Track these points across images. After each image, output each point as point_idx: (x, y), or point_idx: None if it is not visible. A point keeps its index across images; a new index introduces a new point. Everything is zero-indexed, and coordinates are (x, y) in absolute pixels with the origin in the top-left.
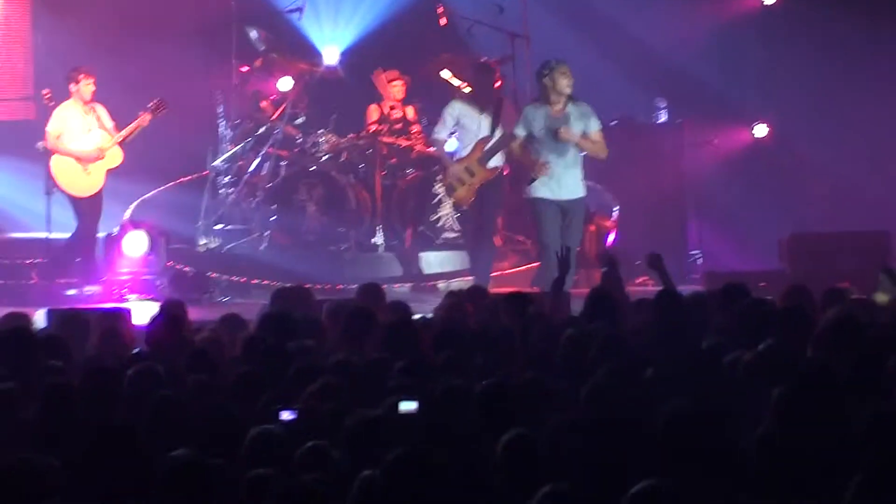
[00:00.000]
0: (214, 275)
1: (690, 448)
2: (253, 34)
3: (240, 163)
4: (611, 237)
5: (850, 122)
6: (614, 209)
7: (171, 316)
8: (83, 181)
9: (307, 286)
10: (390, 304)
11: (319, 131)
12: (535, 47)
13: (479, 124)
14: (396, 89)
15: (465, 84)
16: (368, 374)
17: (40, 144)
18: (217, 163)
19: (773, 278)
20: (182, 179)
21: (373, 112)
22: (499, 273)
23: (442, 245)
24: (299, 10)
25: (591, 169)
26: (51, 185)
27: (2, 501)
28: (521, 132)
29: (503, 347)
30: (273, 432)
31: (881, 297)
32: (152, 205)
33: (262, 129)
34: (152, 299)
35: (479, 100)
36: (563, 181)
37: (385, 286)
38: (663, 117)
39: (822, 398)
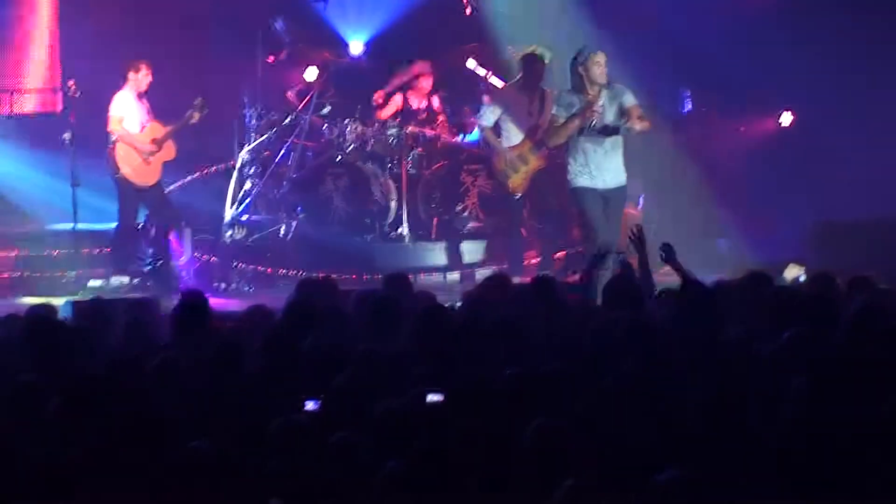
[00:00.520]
0: (240, 265)
1: (715, 437)
2: (278, 25)
3: (266, 153)
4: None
5: (877, 109)
6: (640, 198)
7: (193, 306)
8: (144, 170)
9: (332, 277)
10: (417, 294)
11: (345, 121)
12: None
13: (526, 112)
14: (427, 82)
15: (490, 73)
16: (395, 365)
17: (66, 136)
18: (243, 153)
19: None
20: (208, 170)
21: (396, 102)
22: (525, 262)
23: (468, 234)
24: (324, 0)
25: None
26: (114, 172)
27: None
28: (562, 114)
29: (529, 337)
30: (297, 423)
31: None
32: (178, 195)
33: (287, 120)
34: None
35: (526, 88)
36: (603, 169)
37: (411, 276)
38: (688, 107)
39: (848, 387)
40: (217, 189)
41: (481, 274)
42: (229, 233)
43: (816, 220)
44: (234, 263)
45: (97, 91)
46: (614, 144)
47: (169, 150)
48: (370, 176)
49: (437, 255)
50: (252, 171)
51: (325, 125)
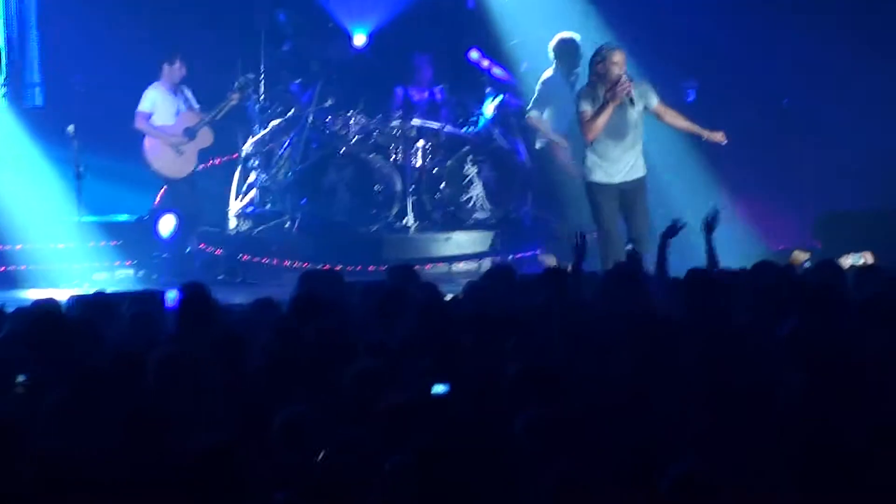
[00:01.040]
0: (245, 257)
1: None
2: (282, 17)
3: (270, 145)
4: None
5: (884, 95)
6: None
7: (196, 299)
8: (176, 162)
9: (336, 268)
10: (421, 286)
11: (349, 113)
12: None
13: (567, 101)
14: (429, 72)
15: (493, 64)
16: (401, 357)
17: (69, 128)
18: (247, 145)
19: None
20: (212, 162)
21: (399, 94)
22: (529, 253)
23: (472, 225)
24: None
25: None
26: (149, 167)
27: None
28: (588, 107)
29: (535, 329)
30: (303, 416)
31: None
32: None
33: (291, 112)
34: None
35: (566, 76)
36: (621, 164)
37: (416, 267)
38: (692, 97)
39: (854, 377)
40: (222, 182)
41: (486, 265)
42: (234, 225)
43: (821, 209)
44: (240, 255)
45: (102, 84)
46: (635, 140)
47: (205, 138)
48: (374, 167)
49: (441, 245)
50: (256, 163)
51: (329, 117)
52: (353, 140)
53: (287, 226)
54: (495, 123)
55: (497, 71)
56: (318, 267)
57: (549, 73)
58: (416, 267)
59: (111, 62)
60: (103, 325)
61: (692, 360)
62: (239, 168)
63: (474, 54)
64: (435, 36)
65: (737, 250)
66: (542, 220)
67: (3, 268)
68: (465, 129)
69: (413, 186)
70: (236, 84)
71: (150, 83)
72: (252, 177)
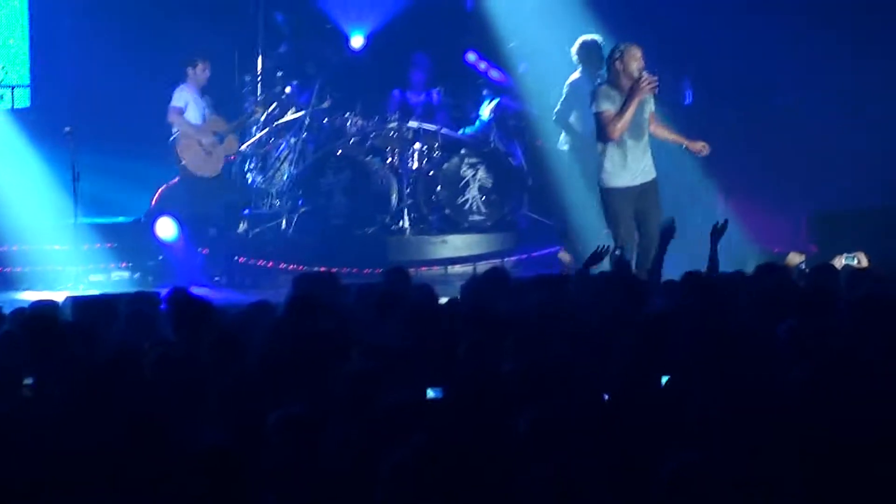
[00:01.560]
0: (242, 259)
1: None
2: (279, 18)
3: (267, 147)
4: None
5: (877, 96)
6: None
7: (184, 302)
8: (207, 161)
9: (332, 270)
10: (415, 287)
11: (346, 115)
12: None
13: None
14: (423, 74)
15: (490, 67)
16: (397, 359)
17: (66, 129)
18: (244, 147)
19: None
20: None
21: (396, 96)
22: (525, 256)
23: (468, 228)
24: None
25: None
26: (177, 162)
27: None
28: (609, 106)
29: (530, 330)
30: (297, 417)
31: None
32: (180, 190)
33: (289, 114)
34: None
35: (594, 79)
36: (639, 165)
37: (413, 269)
38: (689, 98)
39: (849, 378)
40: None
41: (482, 267)
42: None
43: (818, 210)
44: (236, 258)
45: (95, 85)
46: (649, 142)
47: (231, 145)
48: (371, 170)
49: (438, 248)
50: (253, 165)
51: (326, 119)
52: (350, 142)
53: (283, 228)
54: (492, 126)
55: (494, 73)
56: (315, 269)
57: (575, 75)
58: (412, 269)
59: (104, 63)
60: (100, 326)
61: (689, 359)
62: (235, 170)
63: (471, 56)
64: (432, 38)
65: (732, 252)
66: (538, 223)
67: None
68: (461, 131)
69: (409, 189)
70: (260, 98)
71: (143, 84)
72: (248, 178)
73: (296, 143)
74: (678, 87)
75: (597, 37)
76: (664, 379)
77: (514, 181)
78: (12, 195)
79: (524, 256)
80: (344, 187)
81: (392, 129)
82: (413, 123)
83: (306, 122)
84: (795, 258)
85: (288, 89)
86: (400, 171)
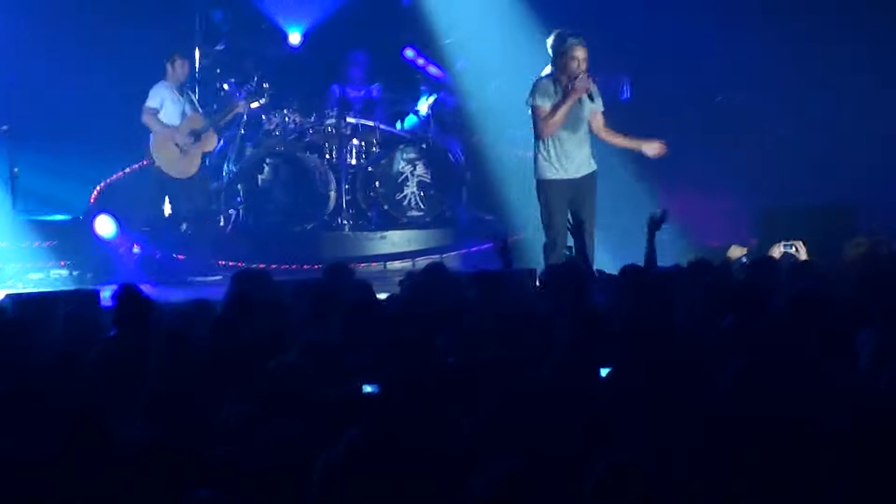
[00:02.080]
0: (181, 257)
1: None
2: (216, 16)
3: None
4: None
5: (821, 95)
6: None
7: (130, 299)
8: (181, 162)
9: (263, 267)
10: (353, 284)
11: (284, 112)
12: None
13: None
14: (362, 70)
15: (428, 63)
16: (333, 355)
17: (3, 127)
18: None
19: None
20: (147, 161)
21: (334, 92)
22: (464, 251)
23: (407, 224)
24: None
25: None
26: (150, 162)
27: None
28: (545, 102)
29: (468, 325)
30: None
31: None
32: (118, 187)
33: (225, 112)
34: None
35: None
36: (574, 159)
37: (351, 266)
38: (627, 93)
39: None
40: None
41: (421, 263)
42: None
43: (759, 206)
44: (175, 255)
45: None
46: (586, 136)
47: (208, 142)
48: (309, 166)
49: (377, 244)
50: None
51: (264, 116)
52: (288, 139)
53: (222, 225)
54: (430, 122)
55: (432, 69)
56: (253, 266)
57: (548, 69)
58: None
59: (41, 61)
60: (38, 324)
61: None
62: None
63: (409, 52)
64: (370, 34)
65: (674, 246)
66: (477, 218)
67: None
68: (399, 127)
69: (348, 185)
70: (244, 92)
71: (80, 81)
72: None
73: (233, 140)
74: (617, 81)
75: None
76: (604, 372)
77: (452, 177)
78: None
79: (463, 252)
80: (282, 184)
81: (330, 125)
82: (351, 119)
83: (244, 120)
84: (737, 251)
85: (226, 87)
86: (338, 167)
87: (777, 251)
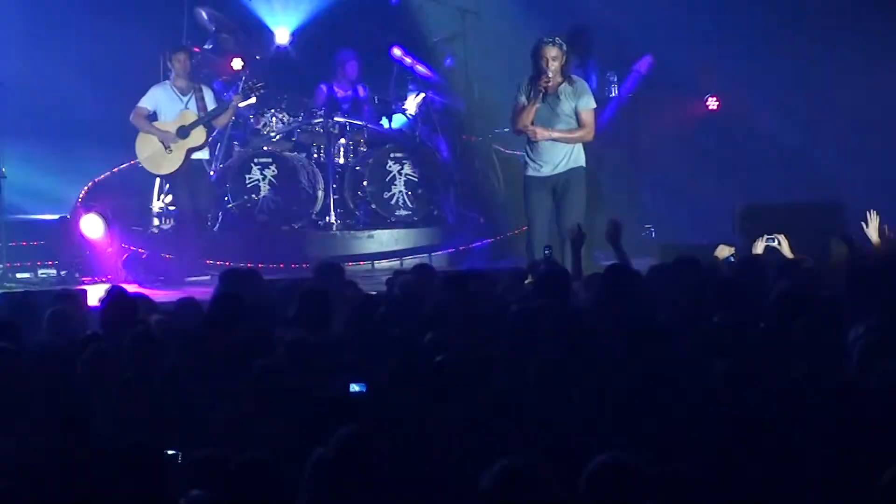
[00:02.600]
0: (168, 257)
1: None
2: (203, 15)
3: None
4: None
5: (804, 94)
6: None
7: (119, 299)
8: (163, 159)
9: (251, 266)
10: (343, 283)
11: (271, 111)
12: (485, 23)
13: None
14: (351, 69)
15: (416, 62)
16: (322, 354)
17: None
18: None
19: None
20: (135, 161)
21: (322, 91)
22: (452, 250)
23: (395, 223)
24: None
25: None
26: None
27: None
28: (522, 101)
29: (453, 325)
30: (221, 413)
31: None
32: (105, 187)
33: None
34: (110, 281)
35: (581, 67)
36: (547, 157)
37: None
38: (615, 91)
39: (771, 370)
40: (144, 180)
41: (409, 262)
42: (157, 223)
43: (743, 204)
44: (162, 255)
45: (24, 83)
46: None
47: (197, 137)
48: (297, 165)
49: (364, 243)
50: None
51: (252, 115)
52: (276, 138)
53: (210, 224)
54: (418, 121)
55: (420, 68)
56: (240, 265)
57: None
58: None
59: (28, 60)
60: (24, 324)
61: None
62: None
63: (397, 51)
64: (358, 33)
65: (659, 246)
66: (465, 217)
67: None
68: (387, 126)
69: (336, 184)
70: (241, 88)
71: (68, 80)
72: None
73: (221, 139)
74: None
75: (583, 26)
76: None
77: (440, 176)
78: None
79: (451, 251)
80: (270, 183)
81: (318, 124)
82: (339, 118)
83: (231, 119)
84: (724, 250)
85: (214, 86)
86: (326, 166)
87: (760, 246)
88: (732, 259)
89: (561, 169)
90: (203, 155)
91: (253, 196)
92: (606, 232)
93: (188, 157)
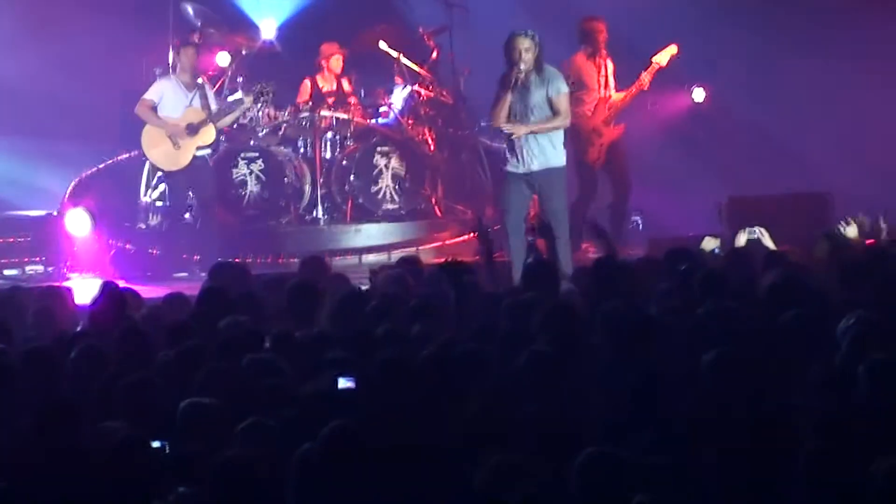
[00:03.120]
0: (155, 252)
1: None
2: (189, 9)
3: None
4: None
5: (790, 85)
6: None
7: (112, 295)
8: (171, 155)
9: (239, 260)
10: (333, 277)
11: (258, 105)
12: (472, 16)
13: (595, 83)
14: (336, 63)
15: (402, 54)
16: (309, 348)
17: None
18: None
19: None
20: (121, 157)
21: (307, 86)
22: (439, 244)
23: (382, 217)
24: None
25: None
26: (143, 154)
27: None
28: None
29: (442, 318)
30: (207, 406)
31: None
32: (92, 182)
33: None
34: (97, 277)
35: (593, 58)
36: (523, 152)
37: (327, 259)
38: None
39: (760, 361)
40: (131, 176)
41: (396, 256)
42: (145, 219)
43: (730, 195)
44: (150, 250)
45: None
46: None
47: (206, 135)
48: (284, 160)
49: (352, 237)
50: None
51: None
52: (263, 133)
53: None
54: (405, 114)
55: (406, 62)
56: (228, 260)
57: (577, 55)
58: (327, 259)
59: (15, 56)
60: (11, 320)
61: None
62: (148, 162)
63: (383, 45)
64: (344, 26)
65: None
66: (451, 210)
67: None
68: (374, 119)
69: (323, 178)
70: (254, 89)
71: (53, 76)
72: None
73: None
74: None
75: (597, 17)
76: None
77: (427, 169)
78: None
79: (438, 244)
80: (257, 177)
81: (304, 118)
82: (325, 112)
83: (237, 121)
84: (710, 242)
85: (200, 80)
86: (313, 160)
87: (742, 238)
88: (718, 251)
89: (537, 167)
90: (204, 151)
91: (240, 190)
92: (587, 232)
93: (195, 154)
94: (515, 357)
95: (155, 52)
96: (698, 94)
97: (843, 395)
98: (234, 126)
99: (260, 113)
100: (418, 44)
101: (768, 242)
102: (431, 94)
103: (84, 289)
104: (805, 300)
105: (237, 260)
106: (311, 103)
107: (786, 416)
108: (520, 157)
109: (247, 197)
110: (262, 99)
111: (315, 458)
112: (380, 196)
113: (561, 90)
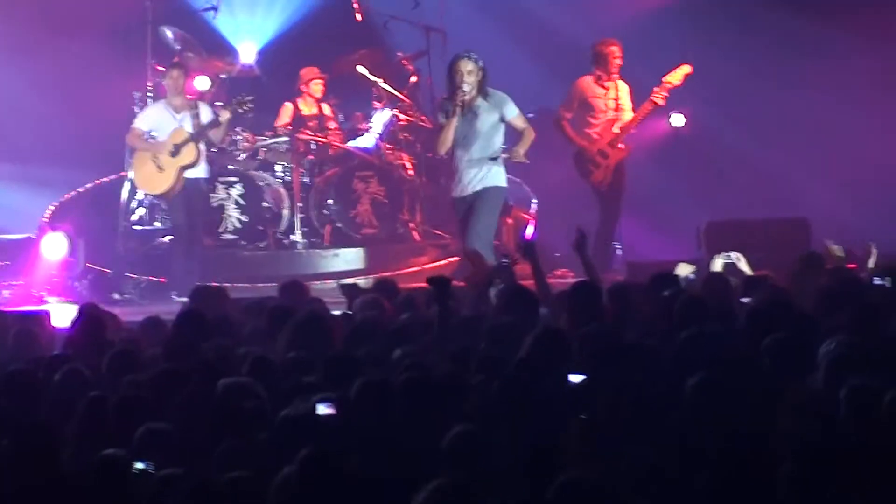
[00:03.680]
0: (133, 276)
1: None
2: (168, 34)
3: None
4: (529, 230)
5: (769, 110)
6: (533, 202)
7: (91, 318)
8: (154, 178)
9: (218, 285)
10: (308, 301)
11: (236, 129)
12: (450, 41)
13: (603, 105)
14: (316, 87)
15: (381, 79)
16: (286, 372)
17: None
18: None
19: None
20: (100, 181)
21: (287, 110)
22: (418, 268)
23: (360, 241)
24: (214, 8)
25: (509, 163)
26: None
27: None
28: (443, 119)
29: (421, 341)
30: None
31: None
32: (71, 206)
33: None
34: (72, 302)
35: (602, 80)
36: (466, 178)
37: (305, 283)
38: None
39: (743, 385)
40: (109, 200)
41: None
42: (122, 243)
43: (708, 220)
44: (128, 274)
45: None
46: (483, 151)
47: (188, 155)
48: (262, 184)
49: (330, 261)
50: None
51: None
52: (241, 157)
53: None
54: (384, 139)
55: (385, 86)
56: (206, 284)
57: (583, 77)
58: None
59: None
60: None
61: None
62: (127, 185)
63: (362, 69)
64: (323, 50)
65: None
66: (430, 235)
67: None
68: (353, 144)
69: (301, 203)
70: (232, 102)
71: (31, 98)
72: (140, 194)
73: None
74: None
75: (610, 41)
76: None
77: (406, 194)
78: None
79: (417, 269)
80: (235, 202)
81: (283, 142)
82: (304, 136)
83: (227, 135)
84: (684, 269)
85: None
86: (291, 185)
87: (718, 263)
88: (692, 277)
89: (475, 188)
90: (200, 173)
91: (218, 214)
92: (573, 242)
93: (180, 175)
94: (493, 381)
95: (134, 76)
96: (677, 120)
97: (824, 421)
98: (214, 150)
99: (239, 137)
100: (397, 68)
101: (744, 267)
102: (411, 119)
103: (60, 312)
104: (789, 325)
105: (215, 284)
106: (290, 127)
107: (764, 442)
108: (464, 182)
109: (225, 221)
110: (239, 112)
111: (292, 484)
112: (358, 220)
113: (514, 110)
